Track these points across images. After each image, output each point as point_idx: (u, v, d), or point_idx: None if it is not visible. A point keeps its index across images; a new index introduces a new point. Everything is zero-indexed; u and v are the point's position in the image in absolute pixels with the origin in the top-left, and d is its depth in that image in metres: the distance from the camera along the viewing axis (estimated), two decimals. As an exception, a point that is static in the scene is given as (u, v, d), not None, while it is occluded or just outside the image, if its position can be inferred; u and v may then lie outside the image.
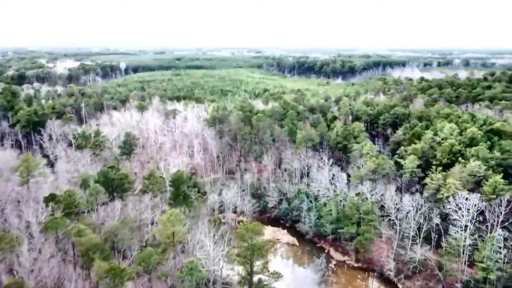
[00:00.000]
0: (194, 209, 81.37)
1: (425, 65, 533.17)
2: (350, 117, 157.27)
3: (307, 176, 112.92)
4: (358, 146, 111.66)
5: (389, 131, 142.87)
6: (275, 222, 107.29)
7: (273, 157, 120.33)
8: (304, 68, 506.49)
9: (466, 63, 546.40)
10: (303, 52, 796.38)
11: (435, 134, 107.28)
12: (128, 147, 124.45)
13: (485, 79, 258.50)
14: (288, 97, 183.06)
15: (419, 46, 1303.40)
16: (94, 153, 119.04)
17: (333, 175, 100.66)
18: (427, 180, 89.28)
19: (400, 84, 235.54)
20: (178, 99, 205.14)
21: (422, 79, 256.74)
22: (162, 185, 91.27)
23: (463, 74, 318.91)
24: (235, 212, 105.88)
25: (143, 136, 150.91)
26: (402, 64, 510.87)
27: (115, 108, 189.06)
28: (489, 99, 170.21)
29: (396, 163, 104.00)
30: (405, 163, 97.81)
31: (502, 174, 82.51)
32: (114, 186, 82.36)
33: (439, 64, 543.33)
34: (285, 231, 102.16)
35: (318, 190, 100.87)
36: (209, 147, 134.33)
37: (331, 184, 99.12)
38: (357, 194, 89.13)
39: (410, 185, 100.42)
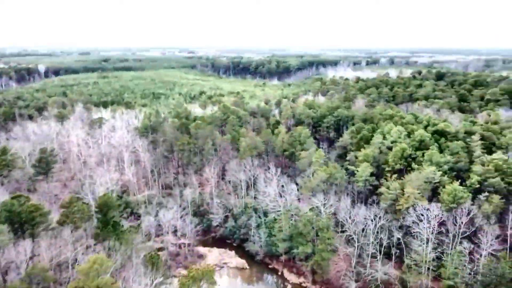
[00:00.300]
0: (126, 242, 68.23)
1: (354, 64, 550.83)
2: (293, 121, 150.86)
3: (254, 187, 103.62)
4: (306, 154, 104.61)
5: (332, 134, 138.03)
6: (221, 242, 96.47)
7: (216, 168, 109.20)
8: (239, 68, 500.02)
9: (392, 62, 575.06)
10: (236, 52, 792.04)
11: (384, 138, 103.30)
12: (45, 165, 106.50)
13: (414, 77, 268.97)
14: (227, 100, 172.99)
15: (346, 46, 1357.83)
16: (1, 175, 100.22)
17: (282, 186, 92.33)
18: (383, 189, 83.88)
19: (338, 84, 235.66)
20: (105, 104, 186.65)
21: (358, 79, 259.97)
22: (86, 212, 76.19)
23: (392, 73, 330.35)
24: (175, 233, 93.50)
25: (64, 150, 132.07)
26: (334, 63, 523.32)
27: (30, 117, 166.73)
28: (424, 98, 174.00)
29: (346, 170, 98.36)
30: (357, 171, 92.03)
31: (459, 180, 79.32)
32: (22, 221, 66.34)
33: (367, 63, 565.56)
34: (233, 252, 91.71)
35: (267, 204, 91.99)
36: (141, 160, 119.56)
37: (281, 196, 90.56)
38: (311, 209, 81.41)
39: (363, 193, 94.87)
